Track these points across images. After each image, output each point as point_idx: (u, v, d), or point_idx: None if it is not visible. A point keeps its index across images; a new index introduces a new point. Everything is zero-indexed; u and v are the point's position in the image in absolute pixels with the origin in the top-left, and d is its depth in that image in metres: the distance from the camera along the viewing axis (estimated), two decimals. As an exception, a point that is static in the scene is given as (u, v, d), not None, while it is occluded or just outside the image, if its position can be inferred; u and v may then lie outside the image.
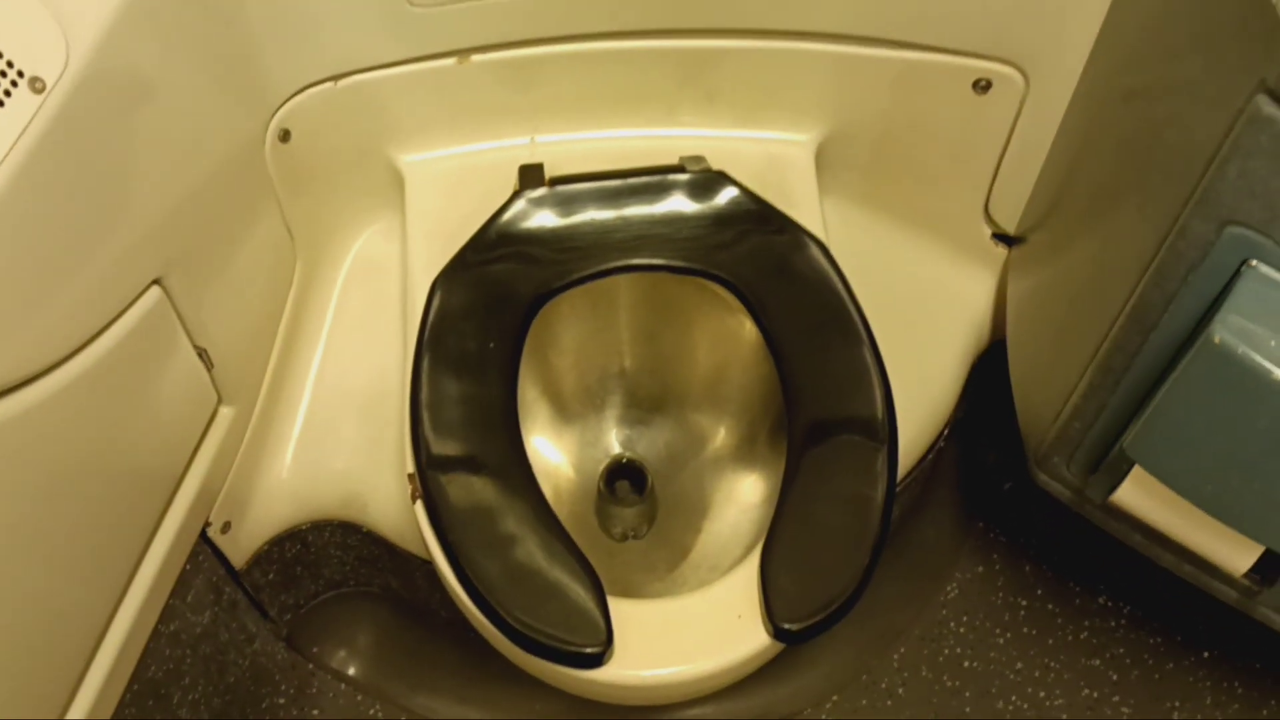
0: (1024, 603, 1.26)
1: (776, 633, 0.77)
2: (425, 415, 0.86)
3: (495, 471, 0.84)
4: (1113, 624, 1.24)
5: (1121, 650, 1.22)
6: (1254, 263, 0.68)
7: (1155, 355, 0.78)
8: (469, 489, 0.83)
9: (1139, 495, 0.83)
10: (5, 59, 0.62)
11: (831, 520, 0.82)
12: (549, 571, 0.79)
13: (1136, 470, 0.82)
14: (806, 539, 0.81)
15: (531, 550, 0.80)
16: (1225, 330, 0.68)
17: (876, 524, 0.82)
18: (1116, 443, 0.85)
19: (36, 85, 0.63)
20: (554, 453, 1.09)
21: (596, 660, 0.76)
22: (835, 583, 0.79)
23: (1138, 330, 0.78)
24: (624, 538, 1.05)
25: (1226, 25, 0.69)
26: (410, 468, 0.86)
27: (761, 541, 0.82)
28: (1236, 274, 0.69)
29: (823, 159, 1.10)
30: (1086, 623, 1.24)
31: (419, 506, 0.84)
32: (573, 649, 0.76)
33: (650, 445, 1.10)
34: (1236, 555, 0.81)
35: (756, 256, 0.95)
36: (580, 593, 0.78)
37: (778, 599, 0.78)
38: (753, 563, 0.81)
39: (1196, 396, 0.72)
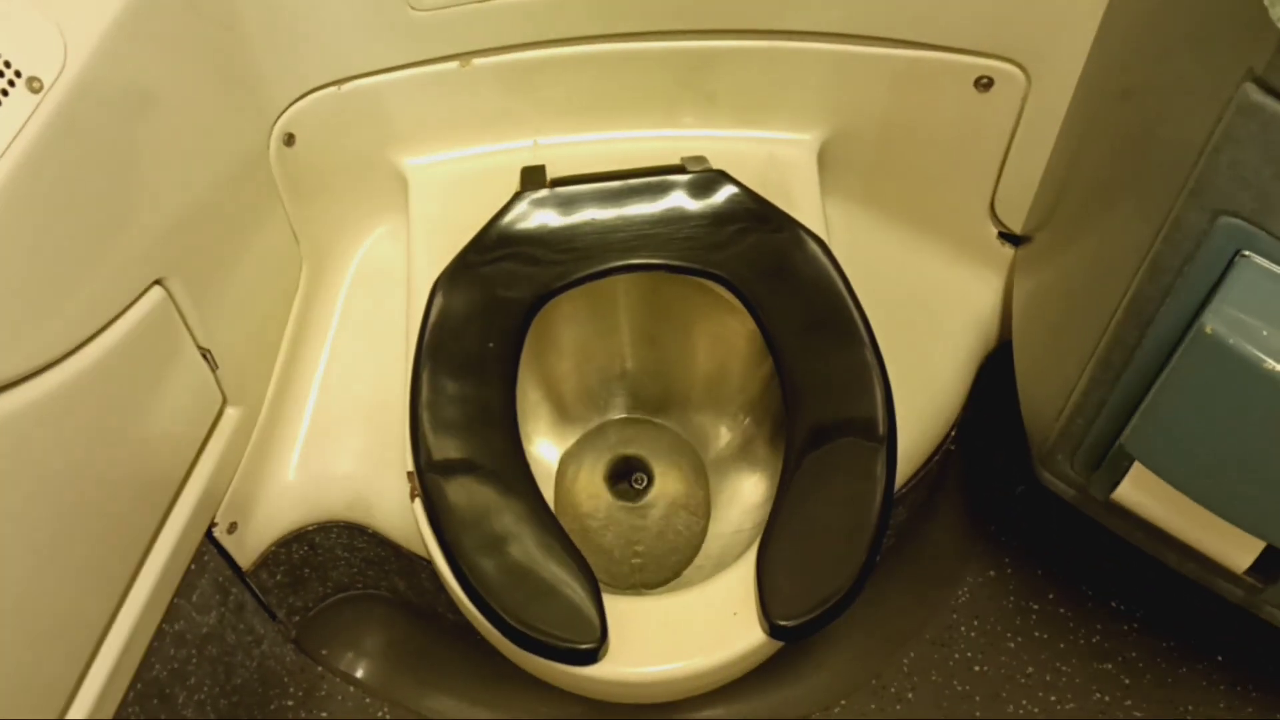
0: (1035, 607, 1.25)
1: (772, 630, 0.77)
2: (424, 415, 0.87)
3: (493, 470, 0.84)
4: (1125, 628, 1.23)
5: (1134, 654, 1.21)
6: (1247, 253, 0.68)
7: (1153, 350, 0.77)
8: (466, 487, 0.84)
9: (1140, 492, 0.83)
10: (3, 59, 0.63)
11: (829, 519, 0.82)
12: (544, 569, 0.79)
13: (1137, 466, 0.81)
14: (803, 537, 0.81)
15: (528, 548, 0.80)
16: (1217, 321, 0.67)
17: (874, 522, 0.81)
18: (1117, 439, 0.84)
19: (34, 85, 0.65)
20: (557, 455, 1.09)
21: (591, 657, 0.76)
22: (831, 580, 0.78)
23: (1135, 324, 0.77)
24: (627, 536, 1.05)
25: (1215, 18, 0.68)
26: (410, 466, 0.87)
27: (758, 539, 0.82)
28: (1230, 265, 0.69)
29: (826, 159, 1.10)
30: (1099, 626, 1.23)
31: (418, 504, 0.85)
32: (567, 645, 0.76)
33: (653, 446, 1.10)
34: (1237, 552, 0.80)
35: (755, 255, 0.95)
36: (575, 590, 0.78)
37: (773, 596, 0.78)
38: (749, 560, 0.81)
39: (1190, 389, 0.71)
